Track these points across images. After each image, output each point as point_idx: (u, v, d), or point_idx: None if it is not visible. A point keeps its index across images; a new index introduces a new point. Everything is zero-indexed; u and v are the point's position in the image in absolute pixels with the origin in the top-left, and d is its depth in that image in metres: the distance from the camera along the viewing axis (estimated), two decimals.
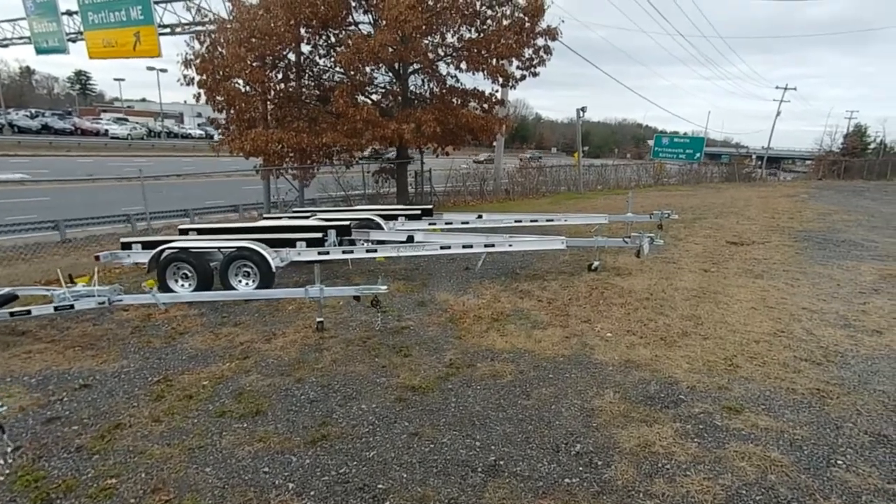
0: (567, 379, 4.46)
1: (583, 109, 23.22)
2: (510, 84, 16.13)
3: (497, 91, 16.30)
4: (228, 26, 13.52)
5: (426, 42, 14.15)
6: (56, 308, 5.29)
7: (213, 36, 13.64)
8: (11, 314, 5.21)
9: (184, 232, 8.46)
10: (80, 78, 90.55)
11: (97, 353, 5.22)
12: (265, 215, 11.89)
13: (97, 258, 7.47)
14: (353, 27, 14.67)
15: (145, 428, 3.73)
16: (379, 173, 17.91)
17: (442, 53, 15.02)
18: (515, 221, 10.70)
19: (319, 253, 7.59)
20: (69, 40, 25.24)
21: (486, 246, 7.98)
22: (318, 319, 5.77)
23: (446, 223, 10.61)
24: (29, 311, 5.25)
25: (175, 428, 3.72)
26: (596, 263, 8.32)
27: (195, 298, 6.07)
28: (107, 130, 50.90)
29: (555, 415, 3.86)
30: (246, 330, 5.84)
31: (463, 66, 14.63)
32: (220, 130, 15.81)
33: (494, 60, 14.00)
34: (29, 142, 40.21)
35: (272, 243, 7.54)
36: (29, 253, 11.77)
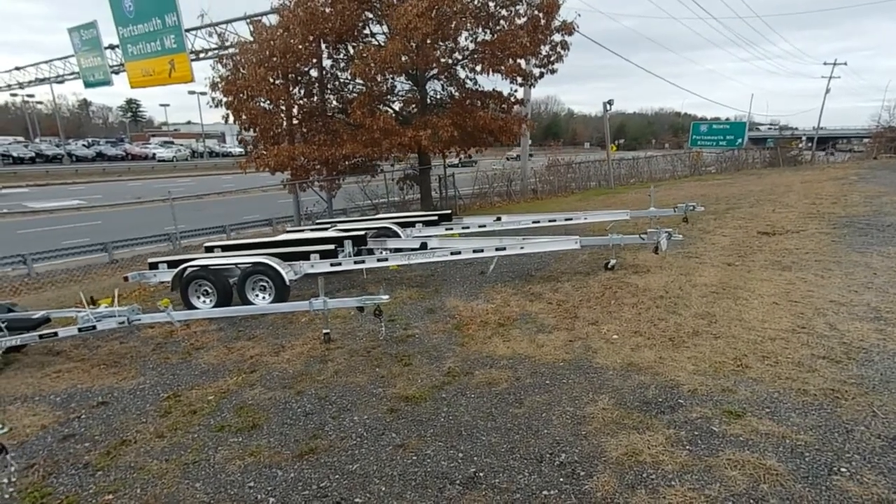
0: (563, 385, 4.37)
1: (609, 102, 22.67)
2: (529, 83, 15.98)
3: (516, 91, 16.18)
4: (250, 48, 14.03)
5: (440, 48, 14.21)
6: (80, 329, 5.62)
7: (235, 58, 14.18)
8: (41, 336, 5.57)
9: (209, 249, 8.81)
10: (131, 106, 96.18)
11: (119, 370, 5.52)
12: (287, 229, 12.22)
13: (125, 279, 7.91)
14: (369, 38, 14.93)
15: (149, 444, 3.91)
16: (403, 180, 18.09)
17: (459, 57, 15.04)
18: (533, 222, 10.54)
19: (332, 265, 7.74)
20: (113, 72, 26.84)
21: (497, 249, 7.92)
22: (325, 331, 5.89)
23: (463, 227, 10.59)
24: (56, 334, 5.60)
25: (176, 443, 3.88)
26: (612, 262, 8.10)
27: (207, 315, 6.31)
28: (154, 154, 53.70)
29: (544, 423, 3.79)
30: (258, 343, 6.02)
31: (478, 68, 14.60)
32: (248, 148, 16.42)
33: (510, 60, 13.89)
34: (85, 169, 42.98)
35: (287, 257, 7.75)
36: (80, 274, 12.58)
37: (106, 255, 13.71)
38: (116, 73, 26.70)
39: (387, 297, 5.58)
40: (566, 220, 10.49)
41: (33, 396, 4.99)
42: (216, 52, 19.24)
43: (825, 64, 41.59)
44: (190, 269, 7.40)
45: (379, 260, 7.93)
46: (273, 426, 4.03)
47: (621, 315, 5.99)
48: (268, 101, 14.01)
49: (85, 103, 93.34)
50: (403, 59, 12.41)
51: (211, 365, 5.48)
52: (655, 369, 4.50)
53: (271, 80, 13.65)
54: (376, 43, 14.25)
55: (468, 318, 6.36)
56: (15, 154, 46.70)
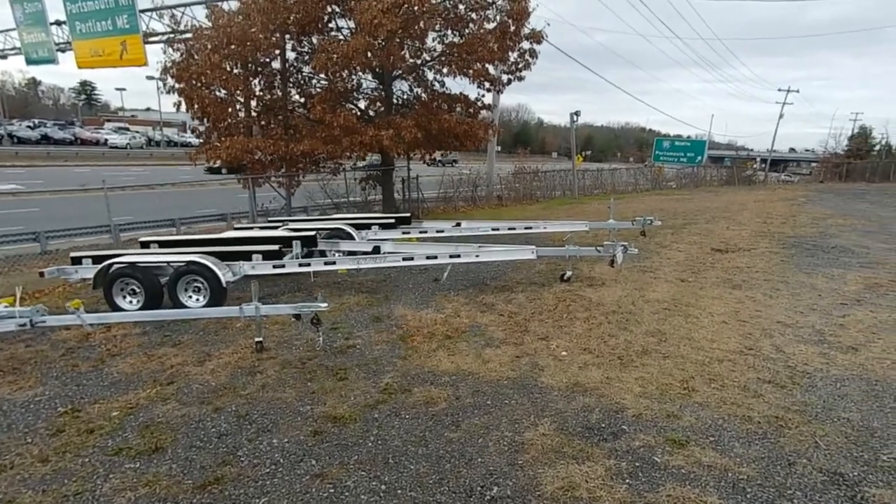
0: (504, 406, 4.10)
1: (576, 114, 22.87)
2: (496, 88, 15.85)
3: (483, 96, 16.01)
4: (206, 33, 13.32)
5: (407, 47, 13.89)
6: None
7: (188, 43, 13.45)
8: None
9: (144, 244, 8.17)
10: (85, 88, 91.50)
11: (17, 378, 4.92)
12: (235, 226, 11.61)
13: (41, 274, 7.20)
14: (335, 33, 14.44)
15: (28, 470, 3.40)
16: (366, 181, 17.64)
17: (427, 58, 14.76)
18: (493, 230, 10.34)
19: (275, 266, 7.27)
20: (59, 50, 25.24)
21: (451, 257, 7.63)
22: (257, 339, 5.44)
23: (420, 232, 10.27)
24: None
25: (60, 469, 3.39)
26: (568, 273, 7.95)
27: (124, 319, 5.76)
28: (106, 140, 51.09)
29: (479, 450, 3.50)
30: (182, 350, 5.52)
31: (445, 70, 14.35)
32: (201, 139, 15.61)
33: (477, 64, 13.70)
34: (27, 152, 40.32)
35: (228, 256, 7.24)
36: (6, 266, 11.53)
37: (38, 246, 12.67)
38: (63, 51, 25.12)
39: (325, 304, 5.20)
40: (526, 228, 10.33)
41: None
42: (175, 35, 18.33)
43: (780, 90, 43.44)
44: (116, 266, 6.80)
45: (326, 263, 7.52)
46: (179, 450, 3.59)
47: (572, 330, 5.79)
48: (222, 90, 13.33)
49: (33, 82, 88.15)
50: (367, 55, 12.02)
51: (124, 374, 4.95)
52: (601, 391, 4.30)
53: (227, 69, 13.01)
54: (342, 37, 13.80)
55: (415, 328, 6.04)
56: None
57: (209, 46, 12.71)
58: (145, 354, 5.43)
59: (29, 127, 51.70)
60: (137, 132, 58.50)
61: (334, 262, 7.51)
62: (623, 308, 6.46)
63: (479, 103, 15.75)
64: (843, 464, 3.29)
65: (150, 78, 55.58)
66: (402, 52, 13.46)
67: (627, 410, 3.97)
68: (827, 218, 14.44)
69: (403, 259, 7.58)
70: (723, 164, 47.92)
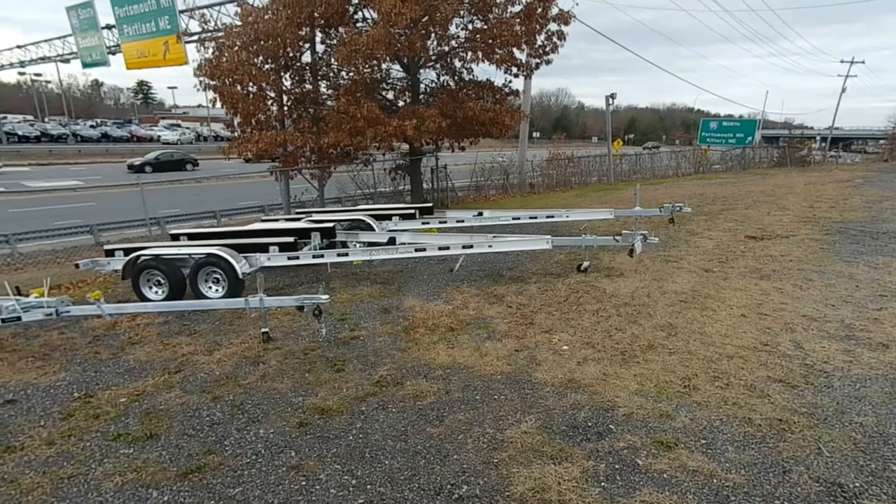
0: (492, 402, 4.03)
1: (612, 96, 22.08)
2: (524, 73, 15.48)
3: (511, 82, 15.67)
4: (235, 31, 13.64)
5: (433, 34, 13.75)
6: (3, 320, 5.36)
7: (219, 41, 13.81)
8: None
9: (175, 237, 8.53)
10: (142, 88, 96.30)
11: (45, 364, 5.26)
12: (262, 218, 11.92)
13: (77, 266, 7.64)
14: (361, 24, 14.48)
15: (35, 452, 3.63)
16: (395, 171, 17.71)
17: (454, 45, 14.55)
18: (514, 219, 10.16)
19: (289, 258, 7.42)
20: (109, 53, 26.58)
21: (464, 247, 7.56)
22: (263, 330, 5.58)
23: (440, 222, 10.23)
24: None
25: (62, 452, 3.61)
26: (585, 264, 7.72)
27: (138, 310, 6.03)
28: (159, 137, 53.62)
29: (458, 447, 3.46)
30: (196, 339, 5.74)
31: (469, 56, 14.13)
32: (234, 133, 16.09)
33: (502, 49, 13.41)
34: (88, 150, 43.02)
35: (246, 248, 7.45)
36: (64, 256, 12.35)
37: (92, 238, 13.48)
38: (113, 53, 26.44)
39: (326, 296, 5.26)
40: (548, 217, 10.10)
41: None
42: (210, 34, 18.91)
43: (842, 62, 40.36)
44: (142, 259, 7.13)
45: (339, 255, 7.60)
46: (172, 437, 3.74)
47: (579, 323, 5.63)
48: (252, 86, 13.65)
49: (96, 84, 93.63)
50: (388, 45, 11.98)
51: (139, 362, 5.20)
52: (595, 388, 4.15)
53: (255, 64, 13.28)
54: (367, 29, 13.81)
55: (421, 320, 6.03)
56: (20, 132, 46.86)
57: (238, 44, 13.01)
58: (162, 343, 5.68)
59: (91, 126, 54.99)
60: (188, 128, 61.10)
61: (347, 254, 7.58)
62: (636, 300, 6.21)
63: (506, 89, 15.44)
64: (844, 473, 3.04)
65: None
66: (426, 42, 13.34)
67: (618, 409, 3.82)
68: (883, 201, 13.35)
69: (416, 250, 7.57)
70: (778, 144, 45.22)
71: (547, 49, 14.48)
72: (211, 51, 13.86)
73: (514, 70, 14.86)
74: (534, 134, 50.82)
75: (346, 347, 5.34)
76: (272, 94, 14.46)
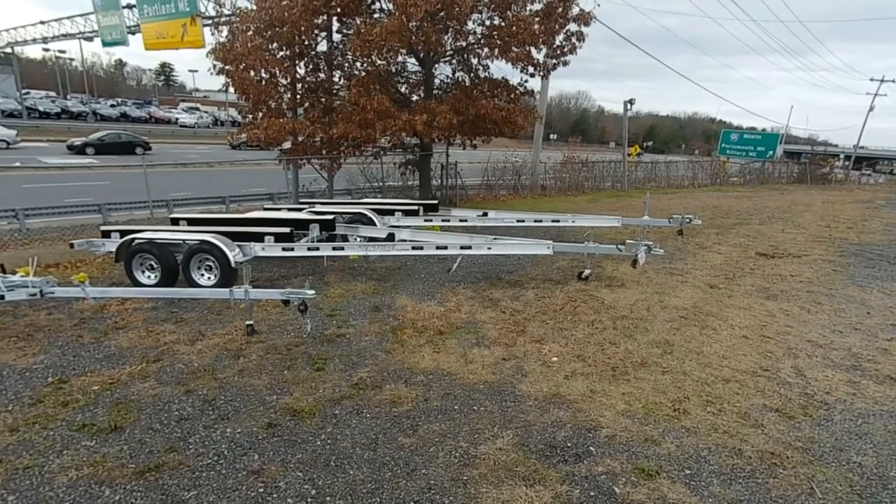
0: (471, 413, 3.86)
1: (630, 102, 21.68)
2: (541, 73, 15.22)
3: (527, 81, 15.42)
4: (249, 15, 13.55)
5: (450, 28, 13.55)
6: None
7: (232, 25, 13.74)
8: None
9: (174, 221, 8.46)
10: (164, 70, 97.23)
11: (27, 345, 5.18)
12: (265, 206, 11.83)
13: (71, 246, 7.60)
14: (378, 14, 14.32)
15: None
16: (405, 165, 17.56)
17: (472, 41, 14.33)
18: (518, 221, 9.96)
19: (284, 249, 7.30)
20: (129, 32, 26.72)
21: (462, 248, 7.39)
22: (248, 322, 5.47)
23: (443, 220, 10.06)
24: None
25: (23, 441, 3.50)
26: (587, 272, 7.51)
27: (123, 294, 5.94)
28: (177, 119, 54.03)
29: (427, 460, 3.30)
30: (181, 328, 5.64)
31: (485, 52, 13.91)
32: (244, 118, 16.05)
33: (518, 48, 13.16)
34: (106, 128, 43.41)
35: (242, 237, 7.34)
36: (72, 233, 12.39)
37: (101, 217, 13.50)
38: (133, 33, 26.56)
39: (312, 292, 5.13)
40: (553, 221, 9.89)
41: None
42: (226, 18, 18.87)
43: (872, 80, 39.33)
44: (136, 242, 7.05)
45: (335, 248, 7.47)
46: (136, 431, 3.63)
47: (573, 334, 5.43)
48: (264, 73, 13.55)
49: (120, 64, 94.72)
50: (402, 37, 11.80)
51: (120, 348, 5.10)
52: (580, 405, 3.96)
53: (269, 50, 13.17)
54: (383, 19, 13.64)
55: (410, 320, 5.88)
56: (41, 108, 47.50)
57: (251, 29, 12.91)
58: (146, 330, 5.58)
59: (111, 106, 55.58)
60: (206, 112, 61.49)
61: (342, 248, 7.45)
62: (635, 313, 5.99)
63: (521, 88, 15.20)
64: None
65: None
66: (442, 36, 13.14)
67: (602, 430, 3.62)
68: None
69: (412, 248, 7.42)
70: (800, 159, 44.29)
71: (565, 50, 14.22)
72: (224, 35, 13.80)
73: (531, 69, 14.62)
74: (551, 136, 50.30)
75: (330, 345, 5.20)
76: (284, 82, 14.34)
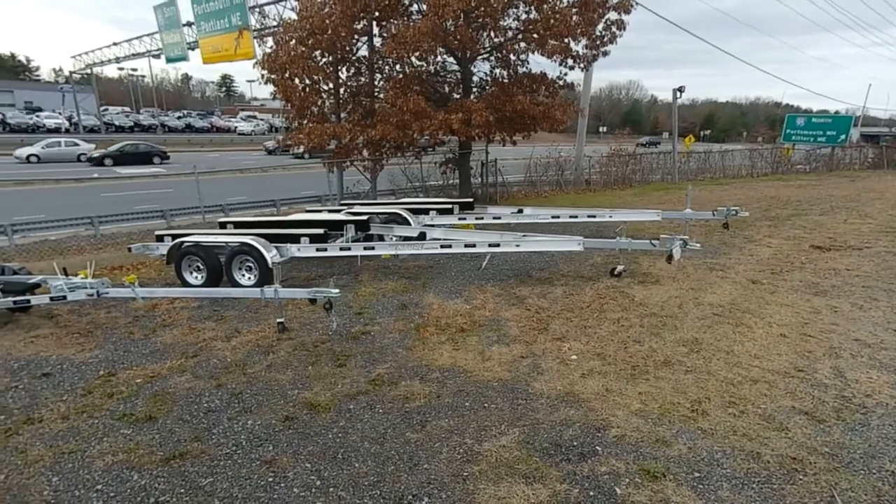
0: (480, 410, 3.89)
1: (680, 90, 20.72)
2: (580, 65, 14.88)
3: (566, 74, 15.12)
4: (292, 25, 14.09)
5: (487, 26, 13.53)
6: (51, 298, 5.85)
7: (277, 35, 14.33)
8: (14, 303, 5.85)
9: (223, 225, 8.98)
10: (225, 81, 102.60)
11: (86, 341, 5.68)
12: (307, 209, 12.27)
13: (129, 250, 8.23)
14: (416, 16, 14.50)
15: (50, 425, 3.92)
16: (445, 164, 17.68)
17: (510, 36, 14.23)
18: (553, 217, 9.82)
19: (318, 249, 7.58)
20: (189, 48, 28.40)
21: (490, 245, 7.39)
22: (279, 320, 5.73)
23: (477, 218, 10.08)
24: (28, 301, 5.86)
25: (72, 428, 3.87)
26: (619, 268, 7.32)
27: (167, 294, 6.37)
28: (236, 128, 56.85)
29: (431, 455, 3.36)
30: (220, 325, 5.99)
31: (521, 46, 13.76)
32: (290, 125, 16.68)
33: (554, 41, 12.95)
34: (173, 139, 46.42)
35: (280, 238, 7.69)
36: (139, 238, 13.42)
37: (164, 222, 14.50)
38: (192, 48, 28.20)
39: (337, 291, 5.31)
40: (589, 217, 9.68)
41: None
42: (270, 30, 19.68)
43: None
44: (184, 245, 7.54)
45: (366, 248, 7.67)
46: (168, 421, 3.92)
47: (596, 332, 5.33)
48: (306, 80, 14.04)
49: (186, 78, 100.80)
50: (435, 37, 11.89)
51: (165, 345, 5.50)
52: (593, 403, 3.90)
53: (312, 58, 13.63)
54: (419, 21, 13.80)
55: (435, 318, 5.96)
56: (117, 123, 51.34)
57: (294, 39, 13.42)
58: (189, 327, 5.98)
59: (178, 118, 59.26)
60: (262, 120, 64.29)
61: (374, 248, 7.63)
62: (665, 311, 5.79)
63: (560, 82, 14.93)
64: None
65: None
66: (476, 34, 13.14)
67: (611, 429, 3.56)
68: None
69: (441, 246, 7.50)
70: (879, 143, 40.77)
71: (605, 40, 13.85)
72: (269, 45, 14.42)
73: (570, 62, 14.34)
74: (600, 129, 48.89)
75: (354, 342, 5.37)
76: (325, 87, 14.81)
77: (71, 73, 48.49)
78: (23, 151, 29.37)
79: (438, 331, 5.55)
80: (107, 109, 57.03)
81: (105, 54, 40.69)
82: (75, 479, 3.25)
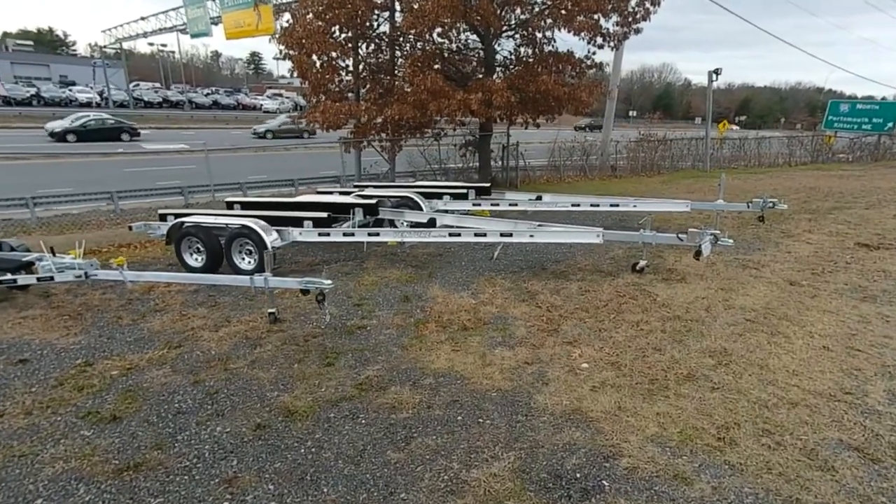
0: (473, 427, 3.45)
1: (716, 72, 19.51)
2: (610, 44, 14.02)
3: (594, 53, 14.25)
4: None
5: (510, 1, 12.78)
6: (38, 279, 5.61)
7: (292, 8, 13.84)
8: (0, 282, 5.63)
9: (230, 205, 8.67)
10: (254, 59, 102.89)
11: (73, 324, 5.43)
12: (318, 190, 11.90)
13: (130, 228, 7.99)
14: None
15: (9, 421, 3.64)
16: (465, 146, 17.08)
17: (535, 11, 13.45)
18: (573, 205, 9.22)
19: (320, 234, 7.19)
20: (213, 23, 28.12)
21: (502, 235, 6.89)
22: (270, 310, 5.39)
23: (492, 204, 9.56)
24: (15, 280, 5.63)
25: (31, 426, 3.58)
26: (642, 263, 6.73)
27: (156, 279, 6.06)
28: (261, 105, 56.83)
29: (411, 482, 2.94)
30: (212, 313, 5.68)
31: (547, 23, 12.98)
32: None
33: (582, 17, 12.14)
34: (200, 116, 46.72)
35: (282, 222, 7.33)
36: (154, 215, 13.31)
37: (182, 199, 14.35)
38: (216, 24, 27.92)
39: (329, 282, 4.92)
40: (611, 206, 9.06)
41: None
42: (289, 4, 19.16)
43: None
44: (185, 225, 7.25)
45: (370, 234, 7.25)
46: (133, 423, 3.59)
47: (612, 336, 4.81)
48: (323, 56, 13.55)
49: (216, 54, 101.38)
50: (455, 11, 11.23)
51: (151, 332, 5.21)
52: (602, 424, 3.41)
53: (330, 33, 13.12)
54: None
55: (437, 313, 5.52)
56: (146, 98, 51.94)
57: (311, 13, 12.91)
58: (180, 314, 5.68)
59: (206, 94, 59.60)
60: (288, 98, 64.15)
61: (378, 234, 7.21)
62: (691, 314, 5.22)
63: (588, 61, 14.09)
64: None
65: None
66: (499, 9, 12.41)
67: (622, 458, 3.08)
68: None
69: (450, 234, 7.03)
70: None
71: (637, 16, 12.95)
72: (286, 19, 13.96)
73: (599, 40, 13.50)
74: (630, 112, 47.10)
75: (348, 337, 4.99)
76: (343, 64, 14.29)
77: (101, 47, 49.03)
78: (54, 125, 29.07)
79: (439, 328, 5.11)
80: (137, 85, 57.66)
81: (134, 28, 40.87)
82: (17, 490, 2.94)
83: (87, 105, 43.63)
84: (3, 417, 3.69)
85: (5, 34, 74.48)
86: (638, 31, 13.32)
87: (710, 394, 3.77)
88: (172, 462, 3.15)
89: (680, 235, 6.37)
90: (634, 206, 8.86)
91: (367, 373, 4.25)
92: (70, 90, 48.79)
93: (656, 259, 7.21)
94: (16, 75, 55.03)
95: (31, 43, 71.84)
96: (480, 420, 3.53)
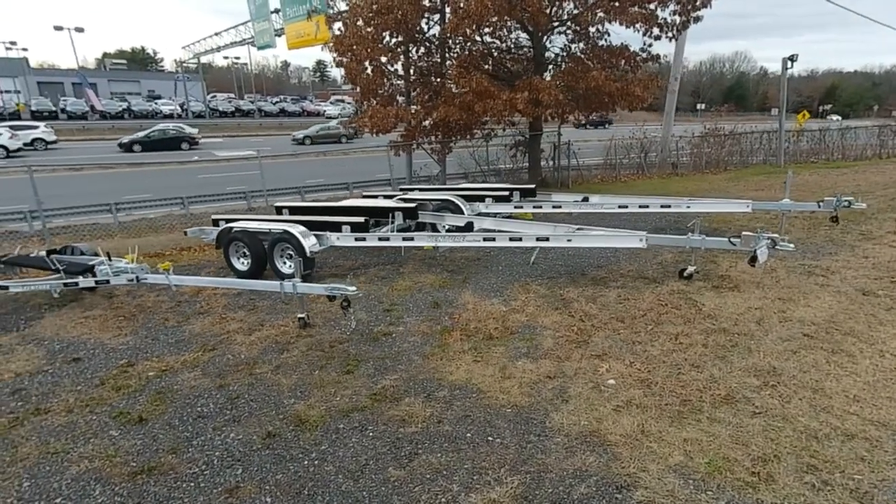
0: (481, 445, 3.30)
1: (791, 59, 17.96)
2: (668, 34, 13.24)
3: (650, 45, 13.52)
4: (357, 7, 13.83)
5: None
6: (97, 282, 6.03)
7: (344, 16, 14.15)
8: (64, 284, 6.10)
9: (279, 210, 8.99)
10: (319, 67, 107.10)
11: (126, 325, 5.80)
12: (364, 194, 12.09)
13: (185, 233, 8.45)
14: None
15: (54, 418, 3.91)
16: (515, 147, 16.79)
17: (587, 4, 12.98)
18: (620, 207, 8.78)
19: (357, 239, 7.27)
20: (276, 35, 29.53)
21: (538, 239, 6.65)
22: (300, 315, 5.48)
23: (535, 207, 9.29)
24: (77, 283, 6.08)
25: (70, 424, 3.82)
26: (690, 269, 6.26)
27: (196, 283, 6.33)
28: (325, 111, 58.98)
29: (407, 503, 2.84)
30: (249, 316, 5.87)
31: (598, 16, 12.46)
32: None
33: (634, 7, 11.55)
34: (268, 123, 49.25)
35: (322, 226, 7.49)
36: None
37: (245, 203, 15.12)
38: (279, 35, 29.28)
39: (353, 288, 4.93)
40: (662, 207, 8.53)
41: (45, 339, 5.45)
42: (341, 13, 19.66)
43: None
44: (233, 231, 7.57)
45: (405, 239, 7.23)
46: (157, 426, 3.74)
47: (646, 349, 4.48)
48: (372, 62, 13.77)
49: (285, 64, 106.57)
50: (500, 9, 11.03)
51: (192, 335, 5.45)
52: (620, 450, 3.15)
53: (379, 39, 13.31)
54: None
55: (465, 321, 5.40)
56: (220, 108, 55.39)
57: (360, 19, 13.15)
58: (220, 316, 5.92)
59: (273, 103, 62.72)
60: (349, 104, 66.16)
61: (412, 239, 7.17)
62: (739, 326, 4.77)
63: (643, 54, 13.40)
64: None
65: None
66: (549, 4, 12.06)
67: (637, 490, 2.82)
68: None
69: (484, 239, 6.87)
70: None
71: (697, 3, 12.14)
72: (337, 28, 14.31)
73: (655, 31, 12.79)
74: (697, 106, 44.38)
75: (372, 344, 4.98)
76: (391, 69, 14.45)
77: (181, 62, 52.82)
78: (123, 138, 30.92)
79: (464, 337, 4.99)
80: (214, 96, 61.62)
81: (209, 43, 43.72)
82: (43, 488, 3.13)
83: (170, 116, 47.14)
84: (48, 414, 3.97)
85: (105, 55, 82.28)
86: (698, 20, 12.50)
87: (750, 419, 3.39)
88: (183, 468, 3.24)
89: (732, 239, 5.85)
90: (688, 206, 8.28)
91: (384, 382, 4.20)
92: (156, 103, 52.92)
93: (709, 264, 6.69)
94: (112, 91, 60.41)
95: (124, 62, 78.74)
96: (490, 438, 3.37)
